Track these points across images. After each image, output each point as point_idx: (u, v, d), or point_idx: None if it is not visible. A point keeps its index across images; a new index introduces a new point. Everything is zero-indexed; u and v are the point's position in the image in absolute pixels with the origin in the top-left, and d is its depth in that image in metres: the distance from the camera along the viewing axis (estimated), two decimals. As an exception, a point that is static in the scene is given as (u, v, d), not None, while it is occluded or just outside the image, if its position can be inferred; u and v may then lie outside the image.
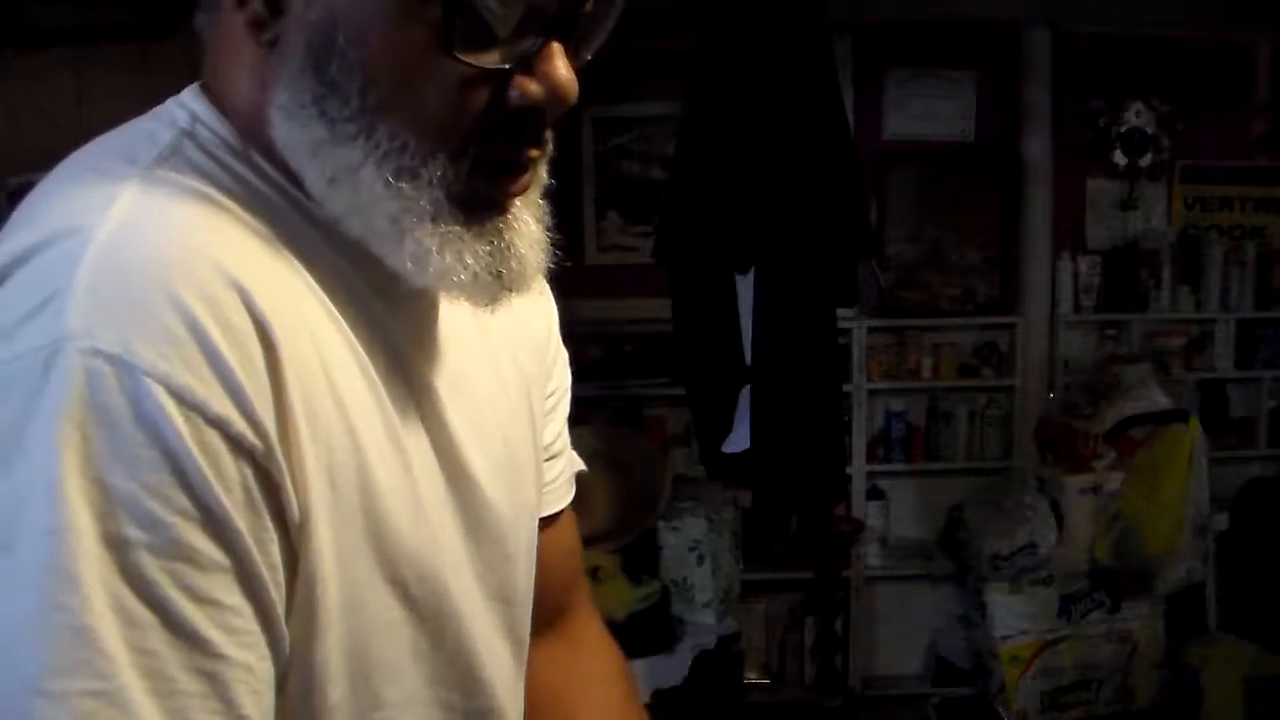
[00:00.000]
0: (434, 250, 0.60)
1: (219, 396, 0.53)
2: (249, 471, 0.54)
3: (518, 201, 0.64)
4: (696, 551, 2.67)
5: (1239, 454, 3.72)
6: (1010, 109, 3.71)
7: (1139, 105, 3.68)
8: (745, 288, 2.56)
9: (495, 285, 0.63)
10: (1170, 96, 3.68)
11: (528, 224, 0.65)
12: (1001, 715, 3.27)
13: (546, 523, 0.86)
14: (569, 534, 0.93)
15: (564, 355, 0.89)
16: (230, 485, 0.53)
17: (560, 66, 0.60)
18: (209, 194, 0.59)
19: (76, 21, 2.99)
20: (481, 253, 0.62)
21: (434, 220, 0.60)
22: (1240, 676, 3.15)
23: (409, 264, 0.61)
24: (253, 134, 0.62)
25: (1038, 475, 3.40)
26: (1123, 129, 3.69)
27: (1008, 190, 3.73)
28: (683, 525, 2.68)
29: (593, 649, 0.94)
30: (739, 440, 2.61)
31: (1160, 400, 3.32)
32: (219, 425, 0.52)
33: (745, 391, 2.60)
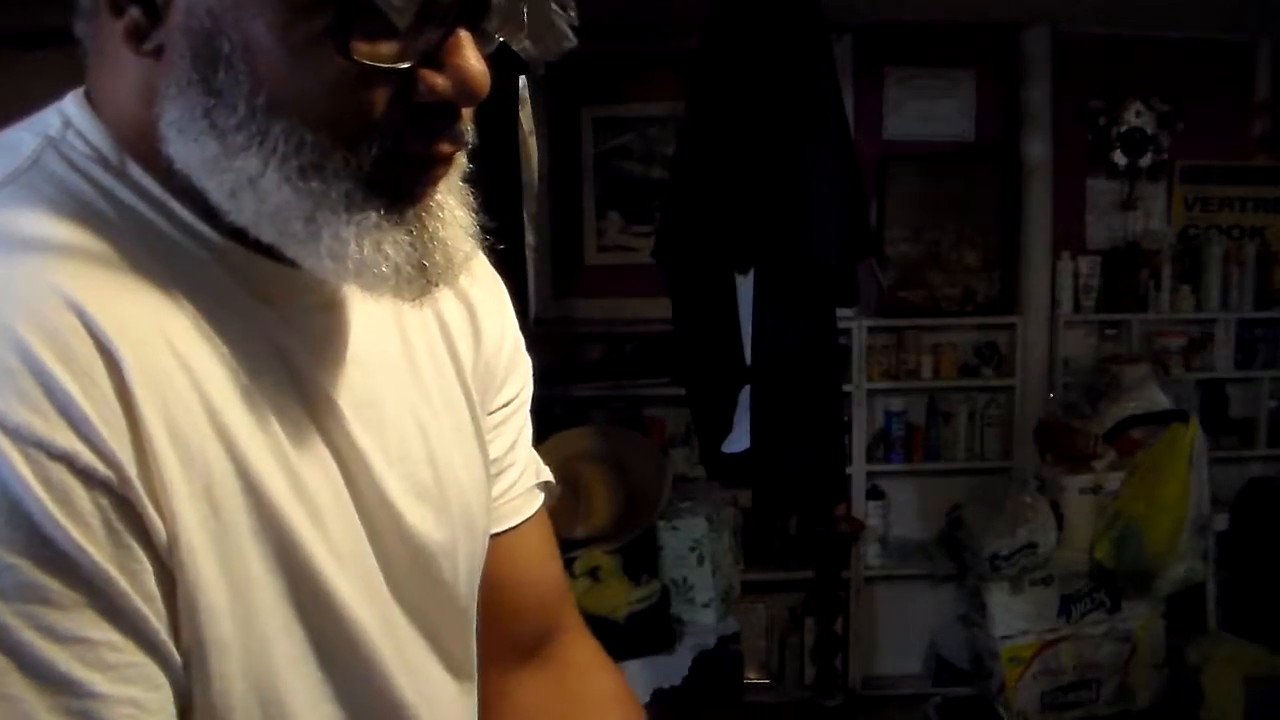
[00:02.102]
0: (351, 242, 0.56)
1: (61, 430, 0.50)
2: (106, 503, 0.51)
3: (440, 187, 0.61)
4: (696, 551, 2.67)
5: (1239, 454, 3.73)
6: (1010, 109, 3.71)
7: (1139, 105, 3.68)
8: (745, 288, 2.56)
9: (419, 279, 0.59)
10: (1170, 96, 3.68)
11: (452, 210, 0.61)
12: (1001, 715, 3.27)
13: (505, 539, 0.82)
14: (539, 550, 0.86)
15: (525, 364, 0.84)
16: (85, 519, 0.50)
17: (469, 57, 0.56)
18: (61, 210, 0.55)
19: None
20: (402, 243, 0.58)
21: (347, 209, 0.56)
22: (1240, 676, 3.15)
23: (327, 261, 0.57)
24: (134, 145, 0.58)
25: (1038, 475, 3.40)
26: (1123, 129, 3.69)
27: (1008, 190, 3.73)
28: (683, 525, 2.68)
29: (584, 672, 0.87)
30: (739, 440, 2.61)
31: (1160, 400, 3.32)
32: (65, 460, 0.49)
33: (745, 392, 2.60)
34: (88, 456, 0.50)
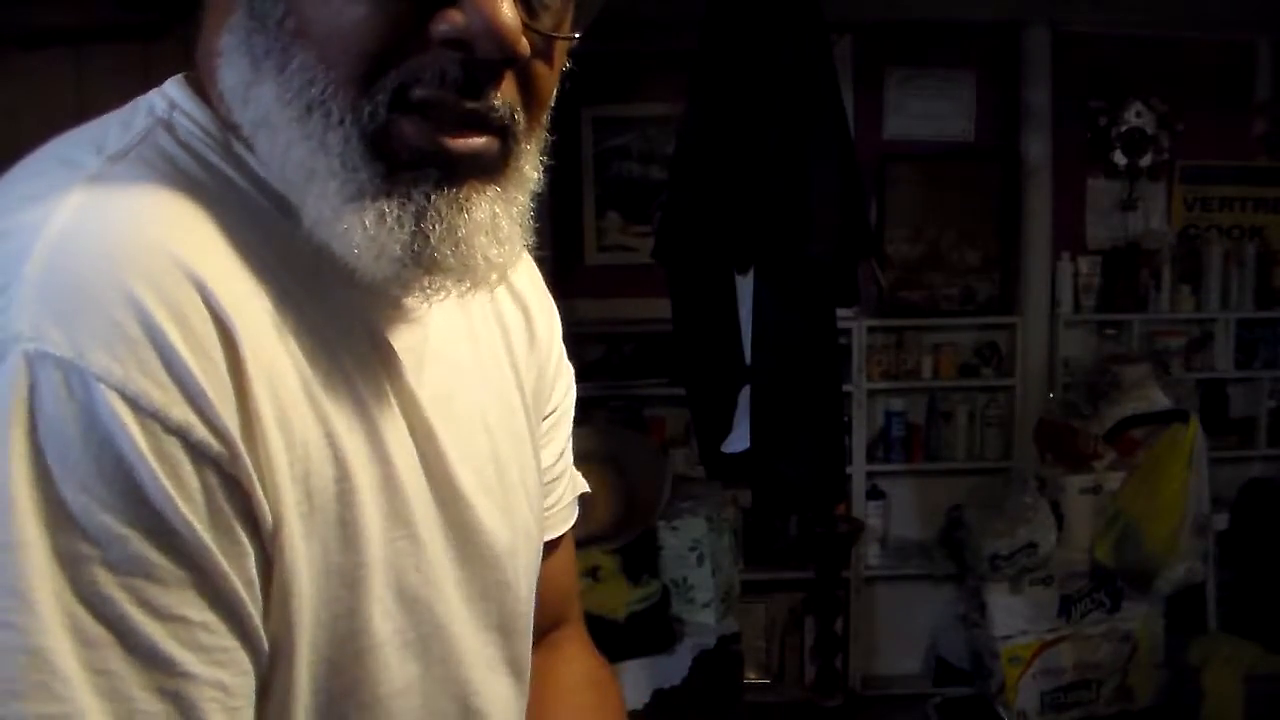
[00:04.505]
0: (340, 201, 0.54)
1: (178, 402, 0.49)
2: (214, 480, 0.51)
3: (487, 191, 0.58)
4: (696, 551, 2.67)
5: (1239, 454, 3.73)
6: (1010, 109, 3.71)
7: (1139, 105, 3.68)
8: (745, 288, 2.56)
9: (413, 268, 0.56)
10: (1170, 96, 3.68)
11: (492, 215, 0.58)
12: (1001, 715, 3.27)
13: (548, 547, 0.82)
14: (564, 559, 0.89)
15: (569, 373, 0.84)
16: (192, 496, 0.50)
17: (499, 4, 0.53)
18: (175, 185, 0.55)
19: (76, 21, 2.99)
20: (391, 217, 0.55)
21: (342, 162, 0.54)
22: (1240, 676, 3.15)
23: (314, 215, 0.55)
24: (232, 122, 0.58)
25: (1038, 475, 3.40)
26: (1123, 129, 3.69)
27: (1008, 190, 3.73)
28: (683, 525, 2.68)
29: (567, 658, 0.88)
30: (738, 440, 2.61)
31: (1160, 400, 3.32)
32: (179, 433, 0.49)
33: (745, 391, 2.60)
34: (201, 431, 0.50)
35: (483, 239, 0.57)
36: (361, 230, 0.55)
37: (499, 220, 0.59)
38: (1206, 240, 3.78)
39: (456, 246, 0.56)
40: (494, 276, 0.60)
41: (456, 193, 0.56)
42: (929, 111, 3.73)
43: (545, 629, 0.87)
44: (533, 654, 0.83)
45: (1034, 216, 3.70)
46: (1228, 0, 3.46)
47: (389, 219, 0.55)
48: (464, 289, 0.60)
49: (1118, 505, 3.24)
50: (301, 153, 0.54)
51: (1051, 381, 3.74)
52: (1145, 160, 3.71)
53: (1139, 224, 3.79)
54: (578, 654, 0.89)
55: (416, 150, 0.55)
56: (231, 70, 0.56)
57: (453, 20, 0.53)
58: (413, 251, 0.55)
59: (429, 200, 0.55)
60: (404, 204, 0.55)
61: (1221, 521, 3.46)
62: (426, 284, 0.58)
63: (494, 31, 0.53)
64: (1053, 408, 3.61)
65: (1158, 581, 3.22)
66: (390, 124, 0.54)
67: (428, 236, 0.55)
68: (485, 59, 0.54)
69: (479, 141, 0.57)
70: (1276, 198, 3.84)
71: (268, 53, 0.54)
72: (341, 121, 0.54)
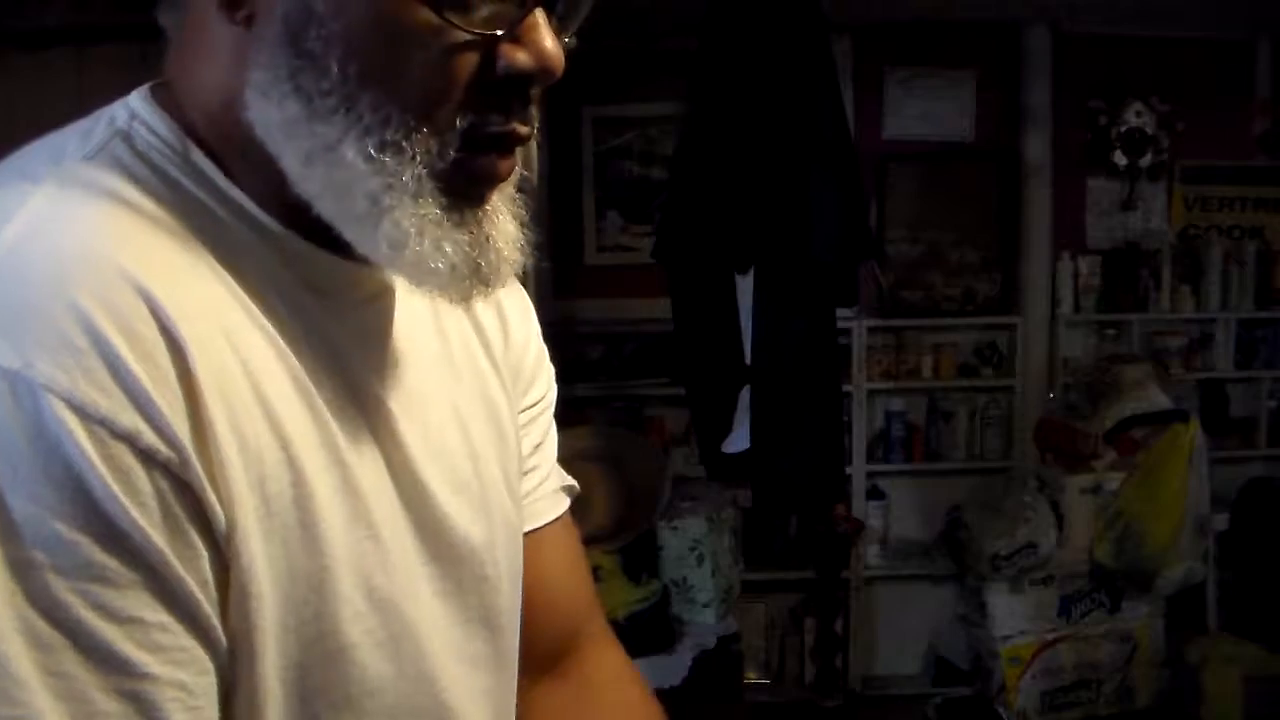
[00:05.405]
0: (413, 233, 0.57)
1: (125, 409, 0.50)
2: (165, 485, 0.51)
3: (494, 197, 0.62)
4: (696, 551, 2.67)
5: (1239, 454, 3.73)
6: (1010, 109, 3.71)
7: (1139, 105, 3.68)
8: (745, 288, 2.56)
9: (472, 279, 0.60)
10: (1170, 96, 3.68)
11: (505, 219, 0.62)
12: (1001, 715, 3.27)
13: (529, 542, 0.80)
14: (564, 556, 0.86)
15: (549, 370, 0.85)
16: (144, 500, 0.50)
17: (546, 37, 0.58)
18: (128, 196, 0.56)
19: (76, 21, 2.99)
20: (460, 242, 0.59)
21: (415, 199, 0.57)
22: (1240, 676, 3.15)
23: (385, 248, 0.58)
24: (206, 131, 0.60)
25: (1038, 475, 3.40)
26: (1123, 129, 3.69)
27: (1008, 190, 3.73)
28: (683, 525, 2.68)
29: (603, 685, 0.87)
30: (739, 440, 2.61)
31: (1160, 400, 3.32)
32: (127, 439, 0.50)
33: (745, 391, 2.60)
34: (150, 437, 0.51)
35: (504, 243, 0.62)
36: (441, 255, 0.58)
37: (508, 221, 0.63)
38: (1206, 240, 3.79)
39: (492, 256, 0.61)
40: (511, 271, 0.64)
41: (485, 206, 0.61)
42: (928, 111, 3.73)
43: (559, 648, 0.85)
44: (552, 684, 0.83)
45: (1034, 216, 3.70)
46: (1228, 0, 3.46)
47: (461, 244, 0.59)
48: (492, 291, 0.63)
49: (1118, 505, 3.24)
50: (372, 186, 0.57)
51: (1051, 381, 3.74)
52: (1145, 160, 3.71)
53: (1139, 224, 3.79)
54: (614, 681, 0.88)
55: (476, 179, 0.59)
56: (276, 109, 0.57)
57: (517, 58, 0.57)
58: (476, 268, 0.60)
59: (479, 224, 0.60)
60: (460, 226, 0.59)
61: (1221, 521, 3.46)
62: (477, 293, 0.62)
63: (549, 64, 0.58)
64: (1053, 408, 3.61)
65: (1158, 581, 3.22)
66: (460, 160, 0.58)
67: (484, 251, 0.60)
68: (534, 86, 0.59)
69: (514, 160, 0.61)
70: (1276, 198, 3.84)
71: (327, 93, 0.56)
72: (414, 158, 0.57)
